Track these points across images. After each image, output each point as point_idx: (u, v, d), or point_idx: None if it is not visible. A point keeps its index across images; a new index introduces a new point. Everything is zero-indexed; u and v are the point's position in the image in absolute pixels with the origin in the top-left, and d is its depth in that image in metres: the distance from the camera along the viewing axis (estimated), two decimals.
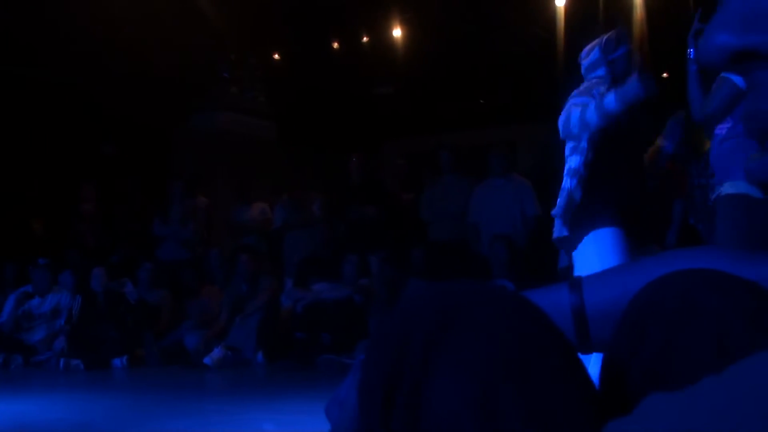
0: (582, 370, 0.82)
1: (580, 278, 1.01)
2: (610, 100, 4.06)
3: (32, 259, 7.87)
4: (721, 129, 3.89)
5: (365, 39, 12.25)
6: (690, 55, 4.09)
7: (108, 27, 9.22)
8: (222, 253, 8.85)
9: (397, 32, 11.60)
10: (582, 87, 4.27)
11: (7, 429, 4.36)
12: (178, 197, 8.95)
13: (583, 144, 4.26)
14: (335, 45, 12.63)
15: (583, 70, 4.40)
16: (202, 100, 11.65)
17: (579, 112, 4.18)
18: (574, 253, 4.28)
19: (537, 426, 0.74)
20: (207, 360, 7.19)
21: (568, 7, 9.73)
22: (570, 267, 4.83)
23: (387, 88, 12.41)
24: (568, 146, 4.34)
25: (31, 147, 9.55)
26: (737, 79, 3.67)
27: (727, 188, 3.73)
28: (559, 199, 4.34)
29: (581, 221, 4.25)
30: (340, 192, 8.66)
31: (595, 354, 0.99)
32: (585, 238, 4.21)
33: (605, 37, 4.32)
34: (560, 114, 4.29)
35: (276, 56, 12.90)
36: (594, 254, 4.14)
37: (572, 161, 4.33)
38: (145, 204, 9.42)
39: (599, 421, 0.69)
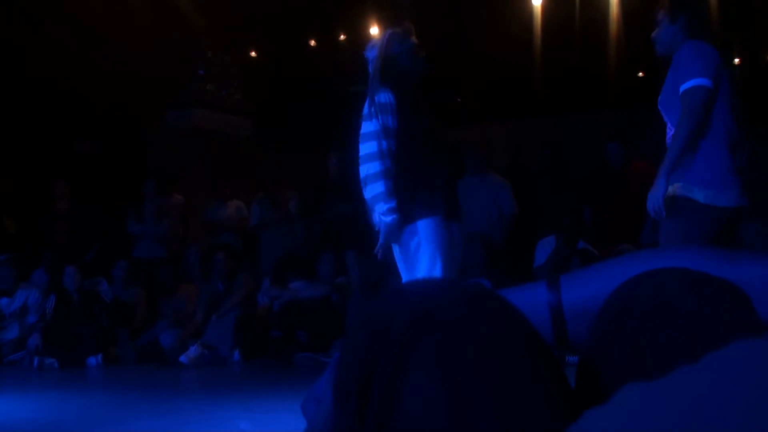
0: (556, 368, 0.83)
1: (558, 277, 1.02)
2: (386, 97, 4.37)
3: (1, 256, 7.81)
4: (668, 135, 3.98)
5: (342, 37, 12.25)
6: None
7: (84, 22, 9.16)
8: (198, 251, 8.82)
9: (374, 30, 11.58)
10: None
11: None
12: (152, 195, 8.90)
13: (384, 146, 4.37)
14: (312, 43, 12.61)
15: (369, 64, 4.62)
16: (178, 97, 11.59)
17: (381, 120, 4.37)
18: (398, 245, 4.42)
19: (508, 425, 0.75)
20: (183, 358, 7.16)
21: (544, 7, 9.78)
22: (546, 265, 4.93)
23: (364, 86, 12.40)
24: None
25: (4, 144, 9.47)
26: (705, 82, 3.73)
27: (679, 190, 3.80)
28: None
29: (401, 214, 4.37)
30: (317, 190, 8.64)
31: None
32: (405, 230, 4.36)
33: (387, 32, 4.63)
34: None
35: (253, 53, 12.87)
36: (419, 244, 4.32)
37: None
38: (120, 202, 9.36)
39: (573, 418, 0.69)
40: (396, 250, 4.49)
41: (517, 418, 0.76)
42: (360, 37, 11.61)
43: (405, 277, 4.47)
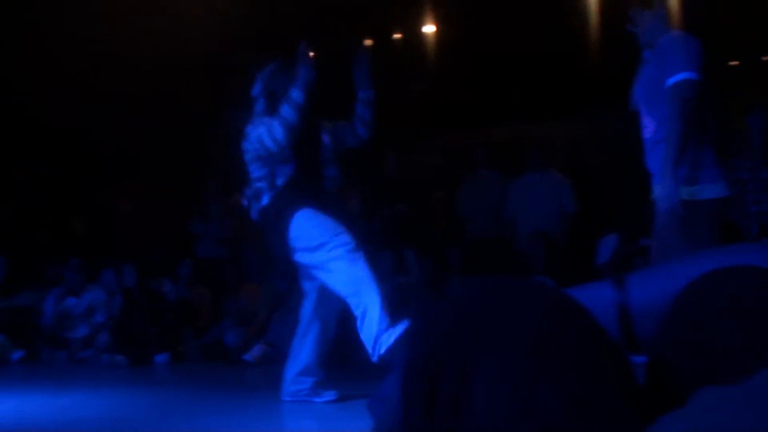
0: (626, 368, 0.82)
1: (624, 275, 1.01)
2: (285, 112, 4.89)
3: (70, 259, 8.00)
4: (647, 131, 3.92)
5: (397, 36, 12.25)
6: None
7: (146, 24, 9.31)
8: (260, 250, 8.90)
9: (429, 28, 11.58)
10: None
11: (53, 423, 4.43)
12: (215, 195, 9.02)
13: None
14: (368, 42, 12.64)
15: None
16: (239, 98, 11.71)
17: (266, 133, 4.89)
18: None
19: (577, 426, 0.75)
20: (247, 357, 7.24)
21: (601, 1, 9.66)
22: (609, 263, 4.96)
23: (421, 84, 12.40)
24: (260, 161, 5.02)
25: (71, 147, 9.68)
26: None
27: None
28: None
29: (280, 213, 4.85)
30: (376, 189, 8.67)
31: None
32: (291, 222, 4.74)
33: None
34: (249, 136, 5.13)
35: (311, 53, 12.93)
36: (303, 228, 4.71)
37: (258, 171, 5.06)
38: (184, 202, 9.50)
39: (644, 419, 0.69)
40: None
41: (589, 419, 0.76)
42: (416, 35, 11.62)
43: None
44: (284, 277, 7.91)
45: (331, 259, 4.65)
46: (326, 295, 4.76)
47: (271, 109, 5.01)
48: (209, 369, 7.07)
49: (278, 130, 4.83)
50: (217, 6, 9.39)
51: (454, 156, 9.94)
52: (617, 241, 7.03)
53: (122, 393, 5.30)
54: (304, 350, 4.82)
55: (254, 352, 7.28)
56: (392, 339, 4.31)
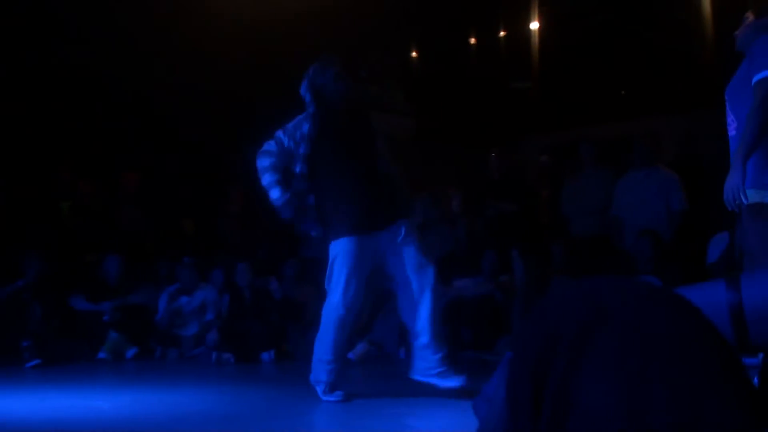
0: (741, 370, 0.80)
1: (738, 276, 0.98)
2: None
3: (183, 258, 8.22)
4: (731, 128, 3.86)
5: (502, 33, 12.15)
6: None
7: (248, 26, 9.49)
8: None
9: (534, 25, 11.45)
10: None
11: (165, 417, 4.56)
12: None
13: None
14: (472, 40, 12.58)
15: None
16: None
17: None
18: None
19: (689, 428, 0.73)
20: (350, 355, 7.30)
21: None
22: (720, 263, 4.83)
23: (525, 82, 12.27)
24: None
25: (183, 153, 9.96)
26: None
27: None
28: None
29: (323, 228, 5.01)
30: (479, 188, 8.62)
31: None
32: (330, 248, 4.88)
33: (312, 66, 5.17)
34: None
35: (413, 53, 12.97)
36: (334, 263, 4.84)
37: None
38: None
39: (759, 421, 0.67)
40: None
41: (702, 421, 0.74)
42: (522, 32, 11.50)
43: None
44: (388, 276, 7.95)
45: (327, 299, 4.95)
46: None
47: (316, 106, 5.10)
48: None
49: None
50: (322, 4, 9.49)
51: (559, 153, 9.80)
52: (728, 240, 6.81)
53: (230, 390, 5.41)
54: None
55: (358, 350, 7.34)
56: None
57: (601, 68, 11.23)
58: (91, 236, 8.55)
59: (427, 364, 4.89)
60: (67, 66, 9.15)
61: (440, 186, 9.01)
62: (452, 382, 4.81)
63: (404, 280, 4.98)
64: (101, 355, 7.60)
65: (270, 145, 5.07)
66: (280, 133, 5.08)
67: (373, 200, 4.91)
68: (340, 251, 4.83)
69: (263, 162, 5.05)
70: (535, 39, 11.49)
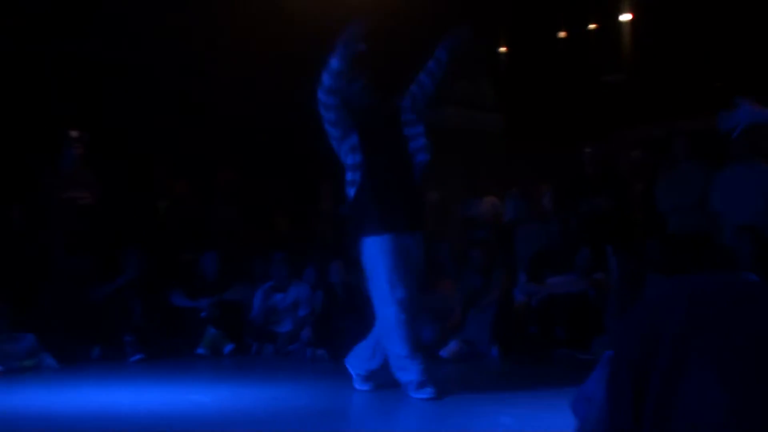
0: None
1: None
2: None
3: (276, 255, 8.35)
4: None
5: (593, 26, 11.99)
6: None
7: (332, 24, 9.56)
8: (454, 247, 8.96)
9: (625, 17, 11.25)
10: None
11: (263, 413, 4.67)
12: None
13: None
14: (562, 34, 12.44)
15: None
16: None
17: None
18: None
19: None
20: (443, 353, 7.31)
21: None
22: None
23: (616, 75, 12.07)
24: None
25: (276, 151, 10.12)
26: None
27: None
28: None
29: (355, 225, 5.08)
30: (571, 184, 8.52)
31: None
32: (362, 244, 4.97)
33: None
34: None
35: (503, 48, 12.89)
36: (367, 260, 4.98)
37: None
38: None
39: None
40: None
41: None
42: (613, 24, 11.32)
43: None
44: (480, 273, 7.94)
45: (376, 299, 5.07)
46: None
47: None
48: None
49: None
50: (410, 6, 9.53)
51: (653, 147, 9.60)
52: None
53: (325, 386, 5.50)
54: None
55: (450, 348, 7.34)
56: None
57: (695, 59, 10.96)
58: (188, 234, 8.78)
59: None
60: (162, 68, 9.40)
61: (531, 182, 8.93)
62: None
63: None
64: (200, 350, 7.79)
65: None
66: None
67: (406, 203, 5.07)
68: (378, 249, 4.95)
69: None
70: (627, 31, 11.29)
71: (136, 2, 9.17)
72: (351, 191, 5.13)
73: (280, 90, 9.87)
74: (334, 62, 5.04)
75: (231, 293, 8.12)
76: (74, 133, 8.16)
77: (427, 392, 4.85)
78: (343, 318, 7.59)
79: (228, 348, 7.86)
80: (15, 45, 8.63)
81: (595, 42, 11.87)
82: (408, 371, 4.91)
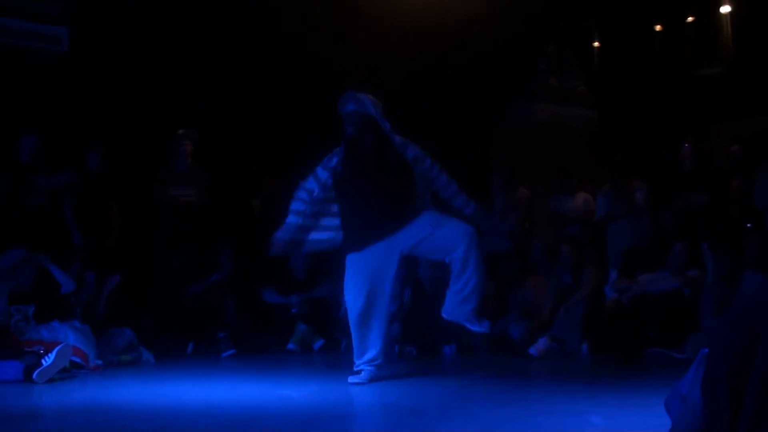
0: None
1: None
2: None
3: None
4: None
5: (690, 19, 11.70)
6: None
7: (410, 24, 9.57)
8: (544, 244, 8.87)
9: (724, 9, 10.95)
10: None
11: (349, 409, 4.71)
12: (500, 189, 9.09)
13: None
14: (658, 27, 12.18)
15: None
16: (520, 92, 11.74)
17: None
18: None
19: None
20: (532, 350, 7.25)
21: None
22: None
23: (713, 68, 11.76)
24: None
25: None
26: None
27: None
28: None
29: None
30: (667, 179, 8.33)
31: None
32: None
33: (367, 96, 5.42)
34: None
35: (596, 44, 12.69)
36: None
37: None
38: (469, 196, 9.64)
39: None
40: None
41: None
42: (711, 17, 11.02)
43: None
44: (570, 269, 7.83)
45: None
46: None
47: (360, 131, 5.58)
48: (494, 361, 7.16)
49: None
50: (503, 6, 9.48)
51: (751, 142, 9.32)
52: None
53: (412, 383, 5.50)
54: None
55: (539, 346, 7.28)
56: None
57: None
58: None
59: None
60: (254, 66, 9.55)
61: (624, 178, 8.77)
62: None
63: (440, 257, 5.61)
64: (290, 346, 7.90)
65: (303, 191, 5.61)
66: (319, 170, 5.59)
67: (377, 219, 5.38)
68: (348, 267, 5.50)
69: (296, 205, 5.63)
70: (726, 23, 10.99)
71: (238, 6, 9.37)
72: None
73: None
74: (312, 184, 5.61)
75: (321, 290, 8.21)
76: (182, 131, 8.37)
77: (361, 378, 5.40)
78: (432, 314, 7.59)
79: (318, 344, 7.95)
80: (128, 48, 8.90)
81: (692, 35, 11.59)
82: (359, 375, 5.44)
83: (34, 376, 5.47)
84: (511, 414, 4.22)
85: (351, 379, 5.40)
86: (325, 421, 4.16)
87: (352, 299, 5.49)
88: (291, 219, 5.62)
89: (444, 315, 5.60)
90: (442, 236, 5.38)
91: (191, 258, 8.25)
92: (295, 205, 5.63)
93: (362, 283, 5.44)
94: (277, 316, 8.21)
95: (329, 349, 7.90)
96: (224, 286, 8.08)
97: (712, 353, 0.78)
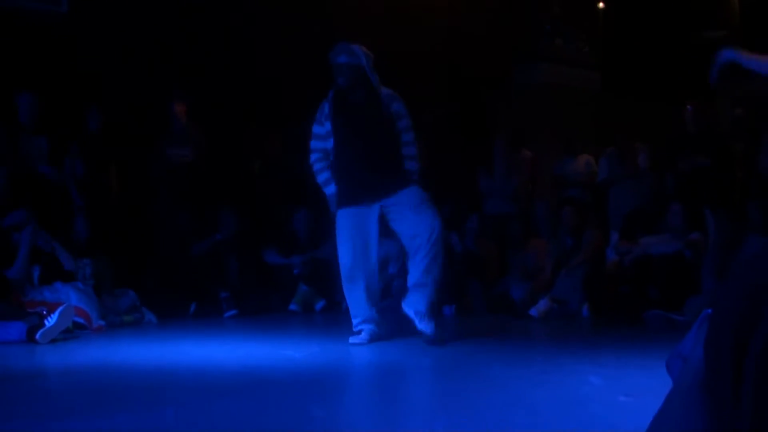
0: None
1: None
2: None
3: None
4: None
5: None
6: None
7: None
8: (547, 206, 8.86)
9: None
10: None
11: (349, 368, 4.73)
12: (503, 152, 9.07)
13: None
14: None
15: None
16: (525, 53, 11.66)
17: None
18: None
19: None
20: (533, 311, 7.28)
21: None
22: None
23: (718, 31, 11.66)
24: None
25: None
26: None
27: None
28: None
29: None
30: (670, 141, 8.30)
31: None
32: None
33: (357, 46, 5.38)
34: None
35: (600, 5, 12.58)
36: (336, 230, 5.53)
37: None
38: (473, 158, 9.64)
39: None
40: None
41: None
42: None
43: None
44: (571, 232, 7.84)
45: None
46: None
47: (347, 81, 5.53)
48: (494, 321, 7.19)
49: None
50: None
51: (756, 106, 9.26)
52: None
53: (413, 343, 5.52)
54: None
55: (540, 307, 7.30)
56: None
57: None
58: (281, 193, 8.88)
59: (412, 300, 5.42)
60: (258, 33, 9.48)
61: (627, 141, 8.74)
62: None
63: (405, 240, 5.57)
64: (292, 306, 7.93)
65: (317, 158, 5.59)
66: (315, 128, 5.58)
67: (367, 177, 5.38)
68: (338, 221, 5.51)
69: (322, 177, 5.62)
70: None
71: None
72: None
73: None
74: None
75: (322, 251, 8.21)
76: (173, 93, 8.32)
77: (362, 339, 5.42)
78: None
79: (319, 305, 7.98)
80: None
81: None
82: (359, 336, 5.45)
83: (37, 336, 5.49)
84: (516, 372, 4.25)
85: (351, 340, 5.43)
86: (327, 381, 4.19)
87: (341, 256, 5.51)
88: (328, 191, 5.62)
89: (403, 306, 5.53)
90: (414, 221, 5.40)
91: (192, 218, 8.24)
92: (321, 177, 5.62)
93: (348, 240, 5.46)
94: (278, 277, 8.23)
95: (331, 309, 7.92)
96: (226, 247, 8.09)
97: (715, 314, 0.78)
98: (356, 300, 5.55)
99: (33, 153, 7.50)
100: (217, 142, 8.81)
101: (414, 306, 5.40)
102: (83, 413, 3.23)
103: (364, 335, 5.44)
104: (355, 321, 5.56)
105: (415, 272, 5.43)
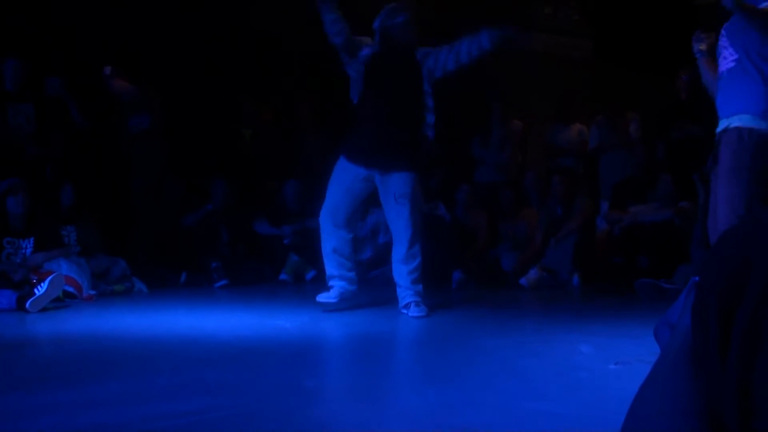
0: None
1: None
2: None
3: None
4: (726, 58, 4.23)
5: None
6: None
7: None
8: (538, 175, 8.86)
9: None
10: None
11: (339, 338, 4.74)
12: (498, 121, 9.04)
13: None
14: None
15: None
16: (515, 21, 11.57)
17: None
18: None
19: None
20: (523, 281, 7.30)
21: None
22: None
23: None
24: None
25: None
26: None
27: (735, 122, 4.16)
28: None
29: None
30: (663, 110, 8.28)
31: None
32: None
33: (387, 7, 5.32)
34: None
35: None
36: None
37: None
38: (466, 127, 9.60)
39: None
40: None
41: None
42: None
43: None
44: (561, 201, 7.84)
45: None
46: None
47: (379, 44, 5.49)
48: (486, 291, 7.20)
49: None
50: None
51: None
52: None
53: (402, 312, 5.54)
54: None
55: (530, 276, 7.32)
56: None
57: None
58: (271, 162, 8.85)
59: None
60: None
61: (618, 110, 8.72)
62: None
63: (390, 223, 5.59)
64: (282, 276, 7.93)
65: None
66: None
67: (375, 145, 5.33)
68: (336, 166, 5.47)
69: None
70: None
71: None
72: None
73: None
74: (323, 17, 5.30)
75: (313, 221, 8.19)
76: (105, 70, 7.96)
77: (330, 297, 5.45)
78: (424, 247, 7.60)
79: (310, 274, 7.98)
80: None
81: None
82: (329, 292, 5.47)
83: (27, 305, 5.49)
84: (505, 342, 4.26)
85: (319, 298, 5.46)
86: (317, 351, 4.20)
87: (327, 196, 5.50)
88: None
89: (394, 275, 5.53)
90: (396, 212, 5.41)
91: (181, 188, 8.19)
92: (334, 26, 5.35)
93: (336, 190, 5.46)
94: (269, 247, 8.22)
95: (321, 279, 7.92)
96: (217, 217, 8.07)
97: (701, 281, 0.78)
98: (327, 252, 5.57)
99: (20, 120, 7.39)
100: (209, 112, 8.73)
101: (399, 279, 5.43)
102: (74, 382, 3.23)
103: (333, 292, 5.46)
104: (327, 275, 5.59)
105: (399, 249, 5.46)
